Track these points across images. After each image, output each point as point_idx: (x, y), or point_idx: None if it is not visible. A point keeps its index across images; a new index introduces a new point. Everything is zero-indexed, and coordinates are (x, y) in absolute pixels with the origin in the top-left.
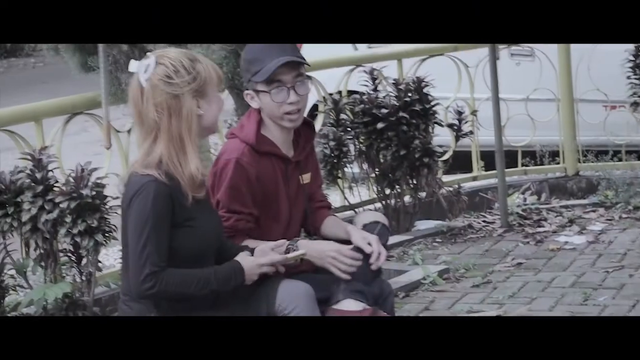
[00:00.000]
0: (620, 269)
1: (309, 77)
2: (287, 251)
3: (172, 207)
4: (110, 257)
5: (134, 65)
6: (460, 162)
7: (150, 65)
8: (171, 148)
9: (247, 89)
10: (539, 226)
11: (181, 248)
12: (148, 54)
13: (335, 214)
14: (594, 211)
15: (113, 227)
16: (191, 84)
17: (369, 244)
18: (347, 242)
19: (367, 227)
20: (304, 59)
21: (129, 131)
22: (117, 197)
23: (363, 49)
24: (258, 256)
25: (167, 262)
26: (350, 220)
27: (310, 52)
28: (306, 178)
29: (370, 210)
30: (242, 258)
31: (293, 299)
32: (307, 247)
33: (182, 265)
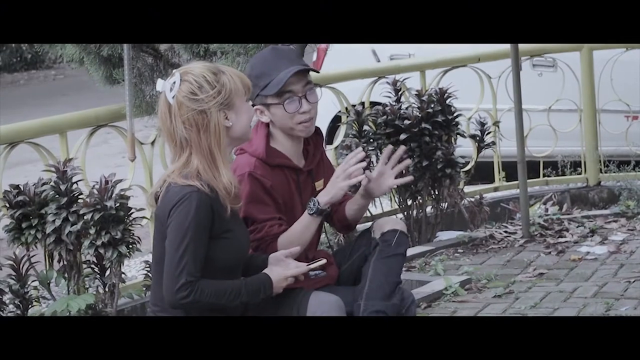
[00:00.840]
0: None
1: (318, 85)
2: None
3: (212, 218)
4: (133, 268)
5: (160, 84)
6: (481, 172)
7: (176, 83)
8: (204, 162)
9: (254, 105)
10: (561, 236)
11: (217, 259)
12: (174, 71)
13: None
14: (615, 221)
15: (136, 238)
16: (216, 97)
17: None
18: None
19: (386, 235)
20: (308, 66)
21: (152, 143)
22: (140, 209)
23: (385, 61)
24: (272, 264)
25: (202, 273)
26: (370, 226)
27: (334, 64)
28: (319, 185)
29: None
30: (270, 270)
31: (325, 311)
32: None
33: (215, 276)
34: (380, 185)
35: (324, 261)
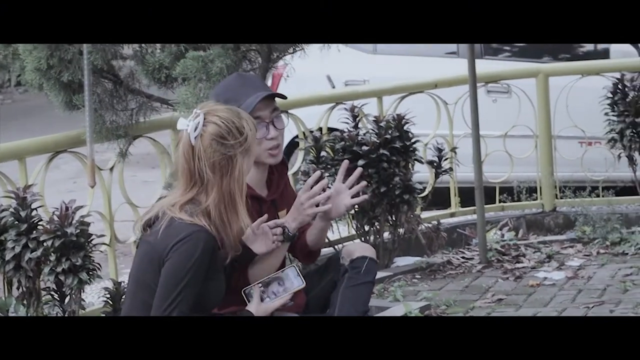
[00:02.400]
0: (601, 304)
1: (284, 111)
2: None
3: (210, 260)
4: (90, 295)
5: (182, 124)
6: (436, 198)
7: (200, 123)
8: (221, 206)
9: None
10: (518, 262)
11: (205, 300)
12: (196, 110)
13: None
14: (571, 247)
15: (97, 265)
16: (243, 144)
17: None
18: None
19: (355, 262)
20: (275, 93)
21: (111, 169)
22: (101, 235)
23: (340, 87)
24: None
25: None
26: (337, 253)
27: (291, 89)
28: (283, 214)
29: (358, 243)
30: (252, 306)
31: None
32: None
33: (198, 312)
34: (338, 205)
35: (302, 285)
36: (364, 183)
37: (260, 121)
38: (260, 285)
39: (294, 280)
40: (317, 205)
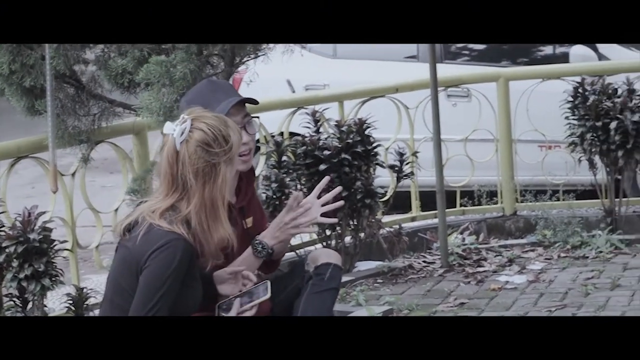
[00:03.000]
0: (563, 307)
1: (256, 117)
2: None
3: (188, 268)
4: (51, 301)
5: (169, 127)
6: (396, 202)
7: (186, 129)
8: (202, 214)
9: None
10: (479, 266)
11: (182, 307)
12: (183, 116)
13: None
14: (532, 250)
15: (60, 271)
16: (228, 153)
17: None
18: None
19: (320, 268)
20: (244, 97)
21: (73, 174)
22: (63, 241)
23: (300, 91)
24: (218, 283)
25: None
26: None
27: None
28: (249, 222)
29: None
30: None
31: None
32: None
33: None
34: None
35: (268, 295)
36: (340, 203)
37: None
38: (232, 298)
39: (261, 292)
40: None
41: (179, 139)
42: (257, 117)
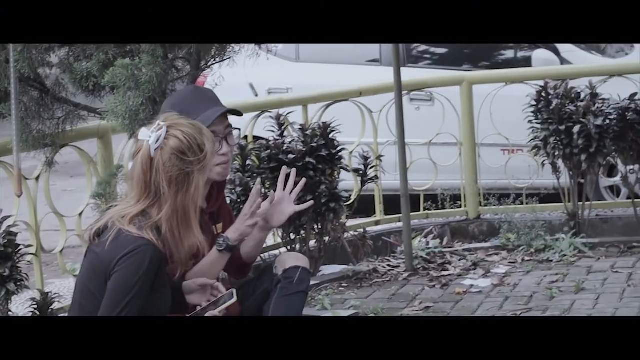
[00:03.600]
0: (528, 311)
1: (237, 128)
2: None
3: (156, 275)
4: (13, 305)
5: (144, 134)
6: (359, 206)
7: (162, 136)
8: (174, 220)
9: None
10: (444, 270)
11: (150, 311)
12: (159, 122)
13: None
14: (496, 254)
15: (24, 275)
16: (202, 161)
17: None
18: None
19: (288, 272)
20: (228, 109)
21: (37, 178)
22: (28, 245)
23: (263, 95)
24: (187, 293)
25: None
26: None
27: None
28: (219, 228)
29: (291, 252)
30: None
31: None
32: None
33: None
34: (280, 213)
35: (234, 300)
36: (302, 182)
37: (215, 136)
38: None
39: (227, 297)
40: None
41: (154, 146)
42: (238, 129)
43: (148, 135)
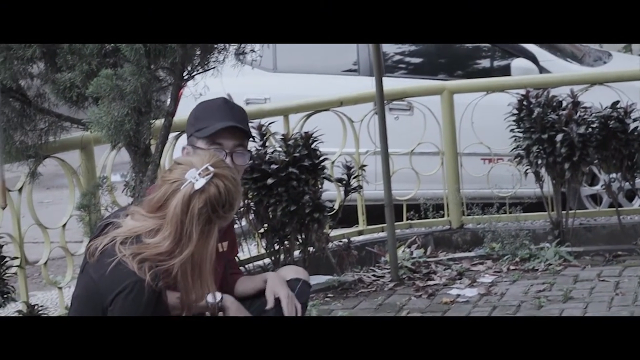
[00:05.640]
0: None
1: (250, 152)
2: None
3: (154, 312)
4: None
5: (191, 174)
6: (342, 216)
7: (207, 178)
8: (188, 267)
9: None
10: (429, 279)
11: None
12: (208, 167)
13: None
14: (481, 263)
15: (11, 288)
16: (227, 218)
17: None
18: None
19: (290, 283)
20: (249, 131)
21: (20, 190)
22: (15, 257)
23: (241, 105)
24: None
25: None
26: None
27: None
28: (225, 246)
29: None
30: None
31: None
32: (278, 284)
33: None
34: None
35: None
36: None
37: (220, 149)
38: None
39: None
40: None
41: (198, 184)
42: (250, 152)
43: (195, 177)
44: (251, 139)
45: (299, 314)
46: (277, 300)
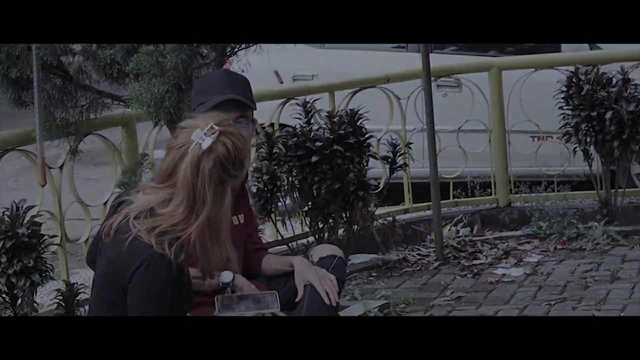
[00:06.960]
0: (562, 301)
1: (253, 120)
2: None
3: (175, 282)
4: (39, 296)
5: (198, 135)
6: (387, 194)
7: (214, 137)
8: (206, 232)
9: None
10: (475, 259)
11: (175, 312)
12: (213, 126)
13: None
14: (528, 242)
15: (49, 266)
16: (239, 176)
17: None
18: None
19: (324, 261)
20: (252, 102)
21: (60, 167)
22: (53, 236)
23: (288, 82)
24: None
25: None
26: (301, 254)
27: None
28: (241, 218)
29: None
30: None
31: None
32: (305, 269)
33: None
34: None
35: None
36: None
37: None
38: (235, 297)
39: (270, 302)
40: None
41: (205, 144)
42: (254, 121)
43: (201, 137)
44: (248, 105)
45: (336, 290)
46: (310, 286)
